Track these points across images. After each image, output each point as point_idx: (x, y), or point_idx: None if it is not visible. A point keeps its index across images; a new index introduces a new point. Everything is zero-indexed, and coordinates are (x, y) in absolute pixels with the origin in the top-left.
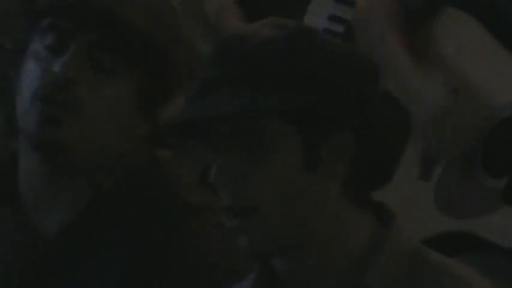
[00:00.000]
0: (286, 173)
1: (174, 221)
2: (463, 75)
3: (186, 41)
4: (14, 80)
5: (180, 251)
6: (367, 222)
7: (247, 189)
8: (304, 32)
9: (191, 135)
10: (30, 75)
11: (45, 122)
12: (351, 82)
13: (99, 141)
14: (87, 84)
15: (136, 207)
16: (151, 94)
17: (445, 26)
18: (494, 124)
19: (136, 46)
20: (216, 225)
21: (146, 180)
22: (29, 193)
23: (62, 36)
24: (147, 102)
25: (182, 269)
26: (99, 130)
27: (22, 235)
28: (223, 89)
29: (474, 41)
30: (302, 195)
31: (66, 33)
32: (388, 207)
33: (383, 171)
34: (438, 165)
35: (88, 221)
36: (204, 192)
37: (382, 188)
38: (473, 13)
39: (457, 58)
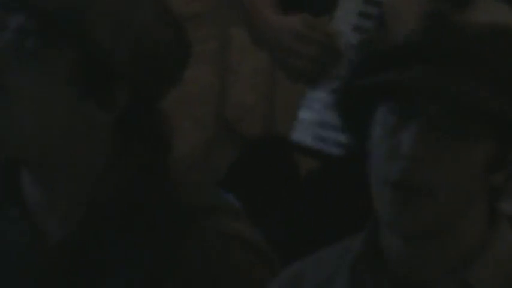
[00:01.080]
0: (471, 171)
1: (174, 230)
2: None
3: (130, 17)
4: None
5: (183, 260)
6: (482, 218)
7: (434, 172)
8: None
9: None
10: None
11: None
12: None
13: (38, 128)
14: (13, 71)
15: (133, 217)
16: (92, 79)
17: (480, 13)
18: None
19: (50, 27)
20: (217, 230)
21: (141, 188)
22: (31, 195)
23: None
24: (91, 88)
25: (187, 278)
26: (32, 117)
27: (28, 238)
28: (452, 65)
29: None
30: (470, 194)
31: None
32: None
33: None
34: None
35: (88, 231)
36: (206, 193)
37: None
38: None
39: None
